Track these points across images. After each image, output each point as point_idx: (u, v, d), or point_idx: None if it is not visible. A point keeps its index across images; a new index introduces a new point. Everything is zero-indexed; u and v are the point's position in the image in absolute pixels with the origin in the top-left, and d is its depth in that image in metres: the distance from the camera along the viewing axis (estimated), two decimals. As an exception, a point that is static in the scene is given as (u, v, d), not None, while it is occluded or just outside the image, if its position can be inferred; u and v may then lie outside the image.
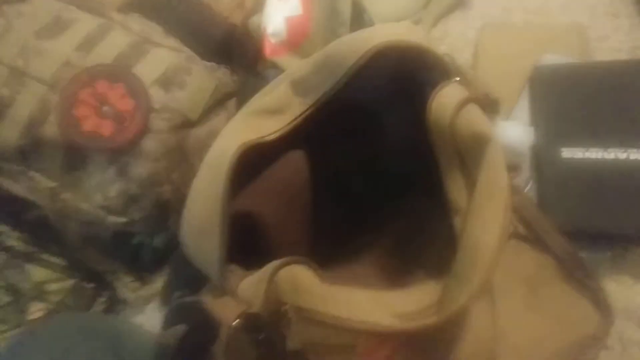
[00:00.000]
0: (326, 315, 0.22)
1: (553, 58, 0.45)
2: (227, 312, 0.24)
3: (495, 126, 0.40)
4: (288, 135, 0.29)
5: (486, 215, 0.23)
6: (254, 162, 0.28)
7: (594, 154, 0.36)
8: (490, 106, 0.36)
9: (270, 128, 0.28)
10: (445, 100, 0.26)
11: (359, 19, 0.58)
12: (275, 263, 0.23)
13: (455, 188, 0.26)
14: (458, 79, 0.29)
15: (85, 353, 0.31)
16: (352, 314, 0.22)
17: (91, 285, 0.50)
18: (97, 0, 0.48)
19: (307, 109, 0.29)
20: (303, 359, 0.24)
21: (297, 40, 0.55)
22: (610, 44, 0.50)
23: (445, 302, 0.22)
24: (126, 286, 0.50)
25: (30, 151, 0.40)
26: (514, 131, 0.41)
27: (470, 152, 0.25)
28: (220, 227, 0.24)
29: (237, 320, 0.24)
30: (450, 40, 0.59)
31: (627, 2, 0.53)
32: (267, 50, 0.55)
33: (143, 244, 0.48)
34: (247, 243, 0.27)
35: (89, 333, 0.31)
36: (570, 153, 0.37)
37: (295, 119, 0.28)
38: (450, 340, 0.24)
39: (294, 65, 0.31)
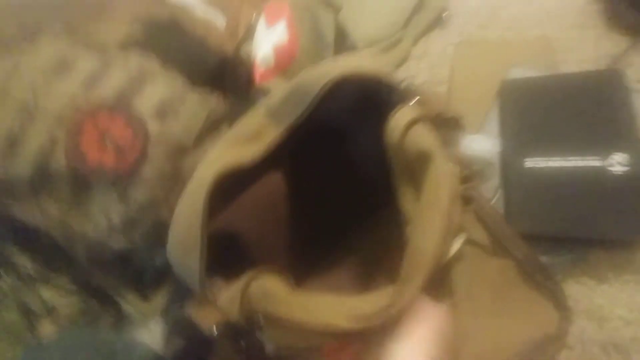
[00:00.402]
0: (292, 320, 0.25)
1: (520, 72, 0.49)
2: (209, 321, 0.27)
3: (463, 140, 0.43)
4: (266, 158, 0.32)
5: (427, 224, 0.26)
6: (235, 182, 0.32)
7: (555, 162, 0.38)
8: (450, 123, 0.39)
9: (248, 154, 0.31)
10: (397, 121, 0.30)
11: (342, 42, 0.62)
12: (249, 274, 0.27)
13: (406, 200, 0.29)
14: (415, 100, 0.32)
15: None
16: (315, 317, 0.25)
17: (98, 303, 0.54)
18: (99, 39, 0.53)
19: (282, 134, 0.32)
20: (280, 362, 0.27)
21: (285, 65, 0.59)
22: (577, 55, 0.53)
23: (394, 304, 0.25)
24: (130, 303, 0.54)
25: (40, 182, 0.44)
26: (480, 143, 0.44)
27: (417, 168, 0.28)
28: (200, 245, 0.27)
29: (218, 329, 0.27)
30: (430, 57, 0.62)
31: (593, 14, 0.56)
32: (257, 76, 0.59)
33: (145, 264, 0.52)
34: (230, 257, 0.30)
35: (90, 347, 0.34)
36: (533, 162, 0.40)
37: (271, 143, 0.32)
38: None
39: (270, 95, 0.35)
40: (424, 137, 0.29)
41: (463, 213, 0.32)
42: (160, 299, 0.53)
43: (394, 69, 0.62)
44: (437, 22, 0.64)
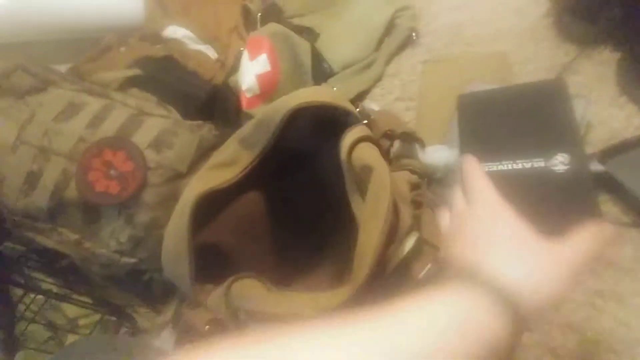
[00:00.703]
0: (266, 312, 0.31)
1: (478, 85, 0.54)
2: (199, 320, 0.33)
3: (426, 150, 0.48)
4: (243, 181, 0.38)
5: (370, 227, 0.31)
6: (218, 202, 0.38)
7: (505, 166, 0.43)
8: (406, 137, 0.45)
9: (224, 178, 0.37)
10: (345, 140, 0.35)
11: (319, 67, 0.68)
12: (231, 278, 0.32)
13: (357, 208, 0.34)
14: (365, 122, 0.38)
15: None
16: (286, 309, 0.31)
17: (114, 317, 0.60)
18: (100, 84, 0.60)
19: (254, 159, 0.38)
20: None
21: (269, 93, 0.66)
22: (533, 66, 0.58)
23: (349, 297, 0.30)
24: (143, 316, 0.60)
25: (57, 212, 0.51)
26: (442, 153, 0.49)
27: (363, 179, 0.34)
28: (188, 256, 0.33)
29: (207, 326, 0.32)
30: (402, 75, 0.68)
31: (546, 28, 0.61)
32: (244, 104, 0.65)
33: (152, 279, 0.58)
34: (215, 265, 0.36)
35: (110, 347, 0.40)
36: (487, 167, 0.44)
37: (245, 167, 0.38)
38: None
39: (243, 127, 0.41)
40: (366, 153, 0.34)
41: (416, 216, 0.37)
42: (169, 310, 0.59)
43: (369, 87, 0.68)
44: (408, 42, 0.69)
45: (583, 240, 0.27)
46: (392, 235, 0.32)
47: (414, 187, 0.39)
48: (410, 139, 0.43)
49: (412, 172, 0.41)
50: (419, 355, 0.21)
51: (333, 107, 0.37)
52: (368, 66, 0.68)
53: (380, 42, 0.69)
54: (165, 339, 0.59)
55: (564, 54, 0.57)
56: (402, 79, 0.68)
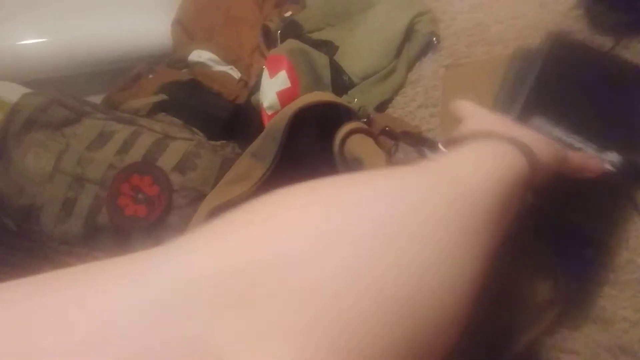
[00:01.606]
0: None
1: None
2: None
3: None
4: (256, 193, 0.39)
5: None
6: None
7: (558, 133, 0.40)
8: (413, 137, 0.44)
9: (237, 191, 0.38)
10: (339, 134, 0.36)
11: (339, 80, 0.68)
12: None
13: None
14: (364, 120, 0.38)
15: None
16: None
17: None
18: (130, 111, 0.64)
19: (265, 171, 0.39)
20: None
21: (290, 108, 0.67)
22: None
23: None
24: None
25: (90, 236, 0.54)
26: None
27: (354, 170, 0.34)
28: None
29: None
30: (425, 81, 0.67)
31: (577, 19, 0.58)
32: (266, 121, 0.66)
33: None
34: None
35: None
36: (540, 122, 0.43)
37: (258, 181, 0.39)
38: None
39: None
40: (357, 145, 0.35)
41: None
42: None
43: (391, 96, 0.67)
44: (428, 46, 0.68)
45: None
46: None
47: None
48: (414, 139, 0.43)
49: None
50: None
51: (337, 104, 0.37)
52: (389, 75, 0.67)
53: (399, 49, 0.68)
54: None
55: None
56: (425, 85, 0.66)
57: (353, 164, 0.34)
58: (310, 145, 0.41)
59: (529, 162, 0.26)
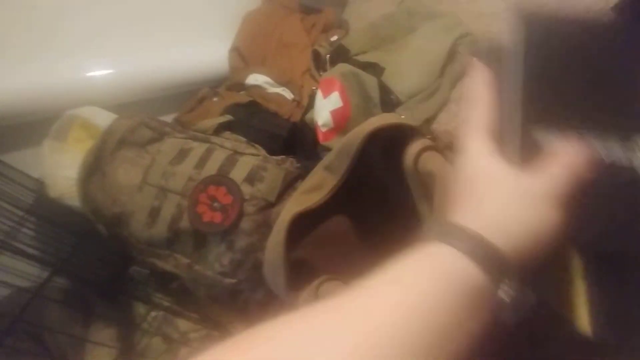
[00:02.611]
0: None
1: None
2: None
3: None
4: (329, 201, 0.45)
5: None
6: (310, 222, 0.45)
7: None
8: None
9: (313, 200, 0.45)
10: (411, 150, 0.42)
11: (387, 99, 0.74)
12: (318, 280, 0.39)
13: (423, 207, 0.40)
14: (429, 137, 0.44)
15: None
16: None
17: (217, 332, 0.69)
18: (200, 131, 0.72)
19: (338, 182, 0.45)
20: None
21: (342, 126, 0.73)
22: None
23: None
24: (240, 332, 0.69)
25: (173, 240, 0.62)
26: None
27: (428, 186, 0.39)
28: (283, 268, 0.41)
29: None
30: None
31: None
32: (321, 138, 0.73)
33: (249, 298, 0.66)
34: (309, 275, 0.43)
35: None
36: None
37: (331, 190, 0.45)
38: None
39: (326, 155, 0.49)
40: (429, 161, 0.40)
41: None
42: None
43: (436, 113, 0.73)
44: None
45: (553, 167, 0.25)
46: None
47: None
48: None
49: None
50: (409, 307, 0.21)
51: (400, 126, 0.44)
52: (433, 93, 0.73)
53: (443, 69, 0.74)
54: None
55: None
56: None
57: (427, 178, 0.40)
58: (376, 161, 0.47)
59: (492, 261, 0.22)
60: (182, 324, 0.68)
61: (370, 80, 0.74)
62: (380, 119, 0.45)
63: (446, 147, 0.43)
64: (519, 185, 0.25)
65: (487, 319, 0.23)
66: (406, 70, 0.76)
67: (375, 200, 0.48)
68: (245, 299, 0.67)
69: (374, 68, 0.78)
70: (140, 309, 0.69)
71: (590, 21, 0.31)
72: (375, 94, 0.73)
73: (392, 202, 0.48)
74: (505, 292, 0.23)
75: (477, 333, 0.22)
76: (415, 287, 0.22)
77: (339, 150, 0.46)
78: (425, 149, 0.41)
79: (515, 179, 0.25)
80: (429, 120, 0.73)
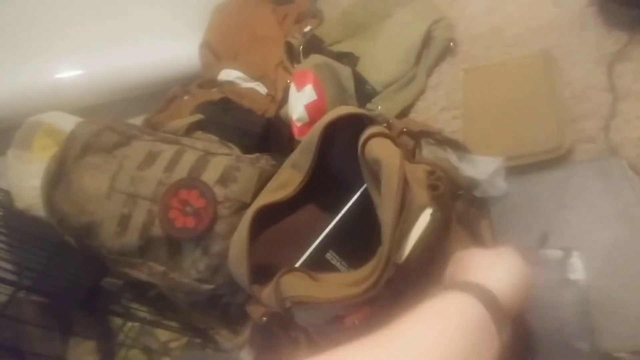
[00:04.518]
0: (310, 298, 0.37)
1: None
2: (257, 313, 0.39)
3: (465, 158, 0.51)
4: (295, 197, 0.45)
5: (385, 206, 0.37)
6: (275, 217, 0.45)
7: None
8: (424, 136, 0.49)
9: (278, 197, 0.44)
10: (361, 139, 0.42)
11: (362, 89, 0.73)
12: (279, 274, 0.39)
13: (374, 194, 0.40)
14: (385, 125, 0.43)
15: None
16: (326, 293, 0.36)
17: (199, 340, 0.68)
18: (171, 131, 0.70)
19: (303, 179, 0.45)
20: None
21: (318, 120, 0.71)
22: (579, 58, 0.58)
23: (375, 269, 0.36)
24: (224, 337, 0.67)
25: (145, 248, 0.60)
26: (481, 167, 0.52)
27: (376, 170, 0.39)
28: (246, 260, 0.40)
29: (264, 318, 0.39)
30: (445, 85, 0.71)
31: (591, 16, 0.61)
32: (296, 133, 0.72)
33: (229, 303, 0.65)
34: (273, 267, 0.43)
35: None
36: None
37: (296, 187, 0.45)
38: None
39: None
40: (375, 147, 0.40)
41: (435, 197, 0.41)
42: (246, 331, 0.66)
43: (413, 102, 0.72)
44: (447, 52, 0.73)
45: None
46: (404, 210, 0.37)
47: (431, 173, 0.43)
48: (437, 138, 0.48)
49: (430, 164, 0.46)
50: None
51: (358, 115, 0.43)
52: (410, 81, 0.72)
53: (419, 56, 0.73)
54: (244, 357, 0.65)
55: (613, 43, 0.57)
56: (445, 89, 0.71)
57: (373, 165, 0.40)
58: (342, 154, 0.46)
59: (487, 307, 0.31)
60: (162, 334, 0.67)
61: (344, 71, 0.72)
62: (336, 112, 0.45)
63: (400, 134, 0.43)
64: (498, 256, 0.38)
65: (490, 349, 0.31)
66: (381, 59, 0.74)
67: (343, 190, 0.48)
68: (226, 303, 0.66)
69: (348, 58, 0.77)
70: (117, 321, 0.67)
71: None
72: (350, 84, 0.72)
73: (354, 190, 0.48)
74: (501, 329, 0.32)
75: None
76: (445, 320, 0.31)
77: (302, 148, 0.45)
78: (372, 135, 0.41)
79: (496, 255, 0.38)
80: (406, 109, 0.71)
